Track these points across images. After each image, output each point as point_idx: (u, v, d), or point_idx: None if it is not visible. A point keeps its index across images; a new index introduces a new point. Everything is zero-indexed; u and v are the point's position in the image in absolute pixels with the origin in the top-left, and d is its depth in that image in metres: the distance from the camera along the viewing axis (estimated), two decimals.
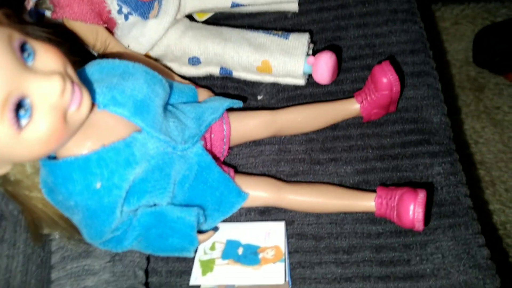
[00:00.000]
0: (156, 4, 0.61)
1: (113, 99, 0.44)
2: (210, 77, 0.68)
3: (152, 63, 0.61)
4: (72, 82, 0.38)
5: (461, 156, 0.63)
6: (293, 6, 0.70)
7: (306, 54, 0.63)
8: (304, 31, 0.69)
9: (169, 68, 0.66)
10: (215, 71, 0.67)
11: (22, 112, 0.35)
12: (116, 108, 0.44)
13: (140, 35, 0.62)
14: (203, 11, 0.71)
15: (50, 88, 0.36)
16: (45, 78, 0.36)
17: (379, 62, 0.59)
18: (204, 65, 0.67)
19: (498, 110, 1.12)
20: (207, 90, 0.63)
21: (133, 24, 0.60)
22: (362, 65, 0.68)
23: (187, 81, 0.65)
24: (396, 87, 0.58)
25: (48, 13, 0.57)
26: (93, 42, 0.57)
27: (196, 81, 0.68)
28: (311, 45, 0.66)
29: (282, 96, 0.68)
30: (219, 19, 0.72)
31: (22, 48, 0.37)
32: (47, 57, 0.38)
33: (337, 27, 0.71)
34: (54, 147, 0.39)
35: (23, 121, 0.35)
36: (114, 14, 0.57)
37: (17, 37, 0.36)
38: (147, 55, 0.65)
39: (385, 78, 0.57)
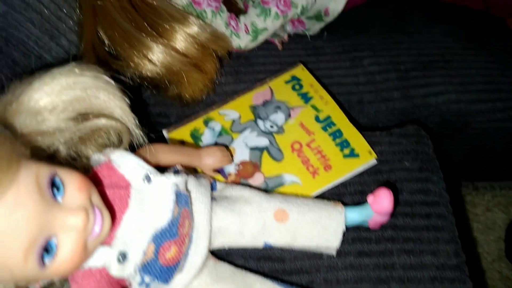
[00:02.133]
0: (182, 263, 0.54)
1: None
2: None
3: None
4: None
5: None
6: (331, 252, 0.64)
7: None
8: (339, 278, 0.62)
9: None
10: None
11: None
12: None
13: None
14: (232, 247, 0.64)
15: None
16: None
17: None
18: None
19: None
20: None
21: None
22: None
23: None
24: None
25: None
26: None
27: None
28: None
29: None
30: (249, 259, 0.65)
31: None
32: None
33: (378, 278, 0.63)
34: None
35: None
36: (135, 286, 0.50)
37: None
38: None
39: None
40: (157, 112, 0.83)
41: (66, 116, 0.49)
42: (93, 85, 0.51)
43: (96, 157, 0.52)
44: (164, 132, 0.77)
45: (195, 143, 0.76)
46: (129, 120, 0.54)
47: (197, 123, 0.78)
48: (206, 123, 0.77)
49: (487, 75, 0.92)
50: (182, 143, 0.75)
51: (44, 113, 0.48)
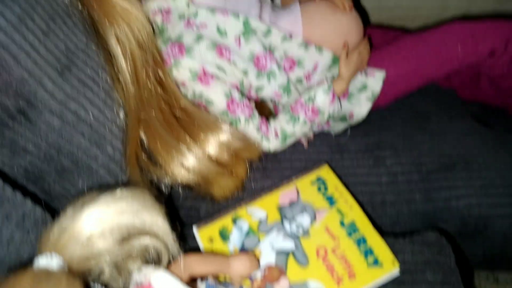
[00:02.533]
0: None
1: None
2: None
3: None
4: None
5: None
6: None
7: None
8: None
9: None
10: None
11: None
12: None
13: None
14: None
15: None
16: None
17: None
18: None
19: None
20: None
21: None
22: None
23: None
24: None
25: None
26: None
27: None
28: None
29: None
30: None
31: None
32: None
33: None
34: None
35: None
36: None
37: None
38: None
39: None
40: (187, 206, 0.87)
41: (113, 240, 0.53)
42: (139, 209, 0.55)
43: (137, 278, 0.55)
44: (194, 228, 0.80)
45: (223, 241, 0.79)
46: (169, 239, 0.58)
47: (226, 220, 0.81)
48: (234, 221, 0.81)
49: (507, 177, 0.94)
50: (211, 239, 0.78)
51: (94, 239, 0.52)
